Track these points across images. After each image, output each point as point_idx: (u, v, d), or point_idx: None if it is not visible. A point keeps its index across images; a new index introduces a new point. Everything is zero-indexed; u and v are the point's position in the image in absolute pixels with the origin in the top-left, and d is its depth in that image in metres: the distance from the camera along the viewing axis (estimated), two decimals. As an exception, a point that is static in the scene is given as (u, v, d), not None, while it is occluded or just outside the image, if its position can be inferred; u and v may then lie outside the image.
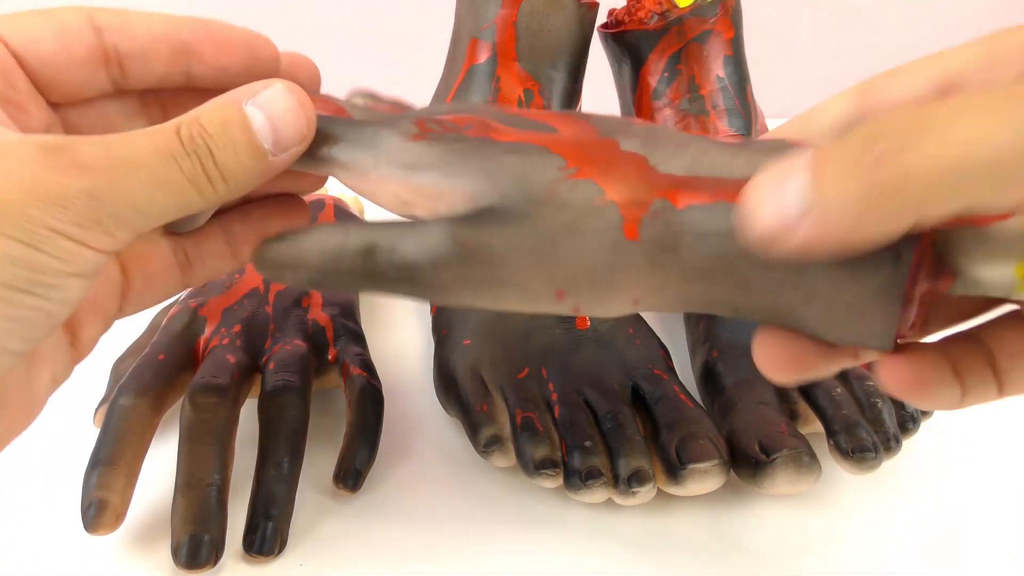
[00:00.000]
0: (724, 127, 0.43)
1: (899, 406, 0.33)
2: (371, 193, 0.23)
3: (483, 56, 0.41)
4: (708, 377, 0.36)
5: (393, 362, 0.42)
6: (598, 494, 0.31)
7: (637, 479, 0.30)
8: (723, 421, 0.33)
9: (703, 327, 0.38)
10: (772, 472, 0.30)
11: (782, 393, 0.34)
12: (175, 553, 0.28)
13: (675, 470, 0.30)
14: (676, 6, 0.42)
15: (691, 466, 0.30)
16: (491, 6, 0.41)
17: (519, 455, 0.32)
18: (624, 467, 0.31)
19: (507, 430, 0.33)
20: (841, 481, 0.34)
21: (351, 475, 0.32)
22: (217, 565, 0.29)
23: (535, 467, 0.31)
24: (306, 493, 0.33)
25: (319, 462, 0.35)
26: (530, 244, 0.21)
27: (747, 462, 0.31)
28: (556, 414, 0.33)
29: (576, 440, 0.31)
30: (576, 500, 0.32)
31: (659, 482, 0.31)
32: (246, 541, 0.29)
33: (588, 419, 0.32)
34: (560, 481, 0.31)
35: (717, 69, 0.43)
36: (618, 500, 0.31)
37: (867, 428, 0.31)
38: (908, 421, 0.33)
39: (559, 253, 0.21)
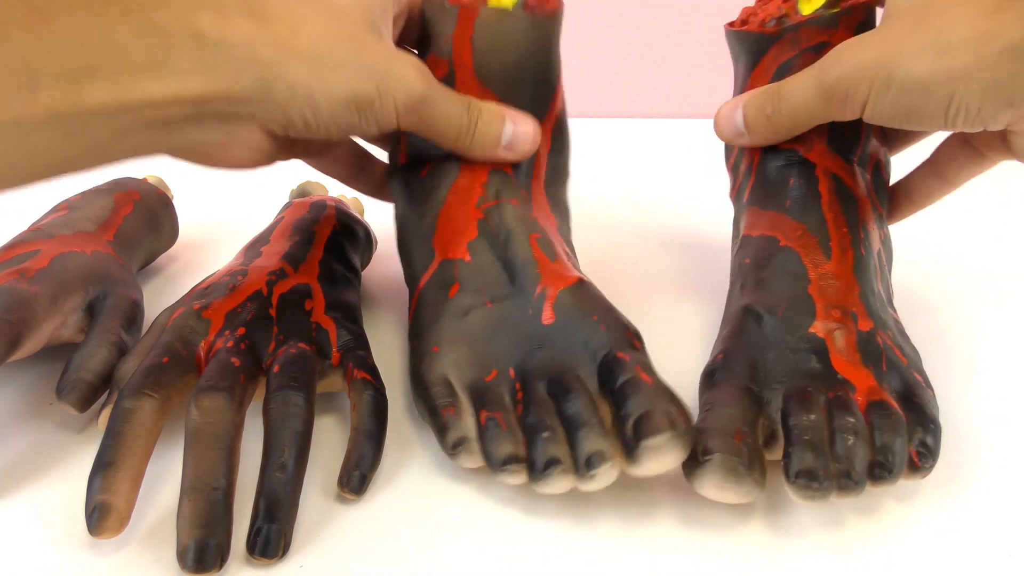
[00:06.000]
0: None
1: (876, 452, 0.31)
2: None
3: (441, 72, 0.40)
4: (707, 380, 0.36)
5: (395, 365, 0.42)
6: (558, 482, 0.30)
7: (593, 461, 0.30)
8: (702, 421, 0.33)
9: (727, 333, 0.37)
10: (701, 472, 0.30)
11: (764, 411, 0.33)
12: (181, 557, 0.28)
13: (631, 449, 0.30)
14: (798, 13, 0.41)
15: (643, 443, 0.30)
16: (448, 22, 0.40)
17: (485, 454, 0.32)
18: (581, 451, 0.30)
19: (475, 432, 0.33)
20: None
21: (356, 479, 0.32)
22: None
23: (499, 464, 0.31)
24: (309, 496, 0.33)
25: (322, 465, 0.35)
26: None
27: (691, 458, 0.31)
28: (520, 411, 0.33)
29: (536, 432, 0.31)
30: (541, 493, 0.31)
31: (620, 464, 0.31)
32: (249, 543, 0.29)
33: (550, 410, 0.32)
34: (525, 476, 0.31)
35: None
36: (580, 486, 0.31)
37: (823, 458, 0.30)
38: (878, 468, 0.31)
39: None
